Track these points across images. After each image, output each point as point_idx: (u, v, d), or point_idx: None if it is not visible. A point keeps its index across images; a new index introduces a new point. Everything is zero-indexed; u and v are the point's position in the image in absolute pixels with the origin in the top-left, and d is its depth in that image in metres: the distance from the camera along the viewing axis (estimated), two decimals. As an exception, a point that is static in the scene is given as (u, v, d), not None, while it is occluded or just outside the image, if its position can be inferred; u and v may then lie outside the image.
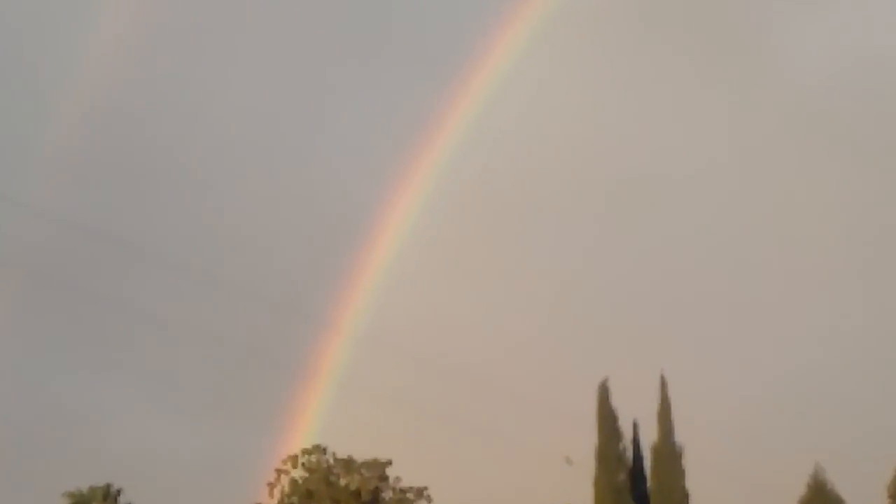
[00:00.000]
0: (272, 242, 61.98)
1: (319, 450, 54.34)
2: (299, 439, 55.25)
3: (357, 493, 53.64)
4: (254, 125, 63.67)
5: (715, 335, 60.64)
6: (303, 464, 54.47)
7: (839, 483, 52.79)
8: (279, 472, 54.53)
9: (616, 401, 53.73)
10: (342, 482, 54.18)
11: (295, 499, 53.99)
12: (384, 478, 54.64)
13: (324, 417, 56.97)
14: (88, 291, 56.29)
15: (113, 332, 57.89)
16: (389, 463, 54.45)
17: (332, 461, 54.42)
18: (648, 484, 53.89)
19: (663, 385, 54.23)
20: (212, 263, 58.13)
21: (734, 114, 65.73)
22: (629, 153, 64.73)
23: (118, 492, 54.34)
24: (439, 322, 61.09)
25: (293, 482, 54.49)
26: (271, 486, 54.70)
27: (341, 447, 54.28)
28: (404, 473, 54.41)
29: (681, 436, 53.46)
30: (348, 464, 54.32)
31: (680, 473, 53.74)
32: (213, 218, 61.35)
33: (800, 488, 53.39)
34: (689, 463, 53.34)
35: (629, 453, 53.66)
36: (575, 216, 63.45)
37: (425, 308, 61.49)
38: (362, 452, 54.16)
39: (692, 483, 53.23)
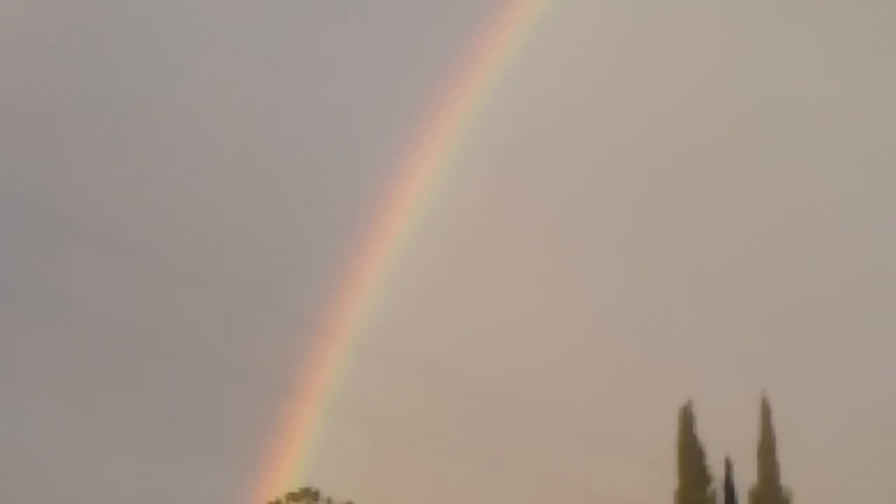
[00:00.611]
0: (251, 224, 49.92)
1: (310, 494, 44.72)
2: (284, 479, 45.06)
3: (358, 549, 45.61)
4: (229, 68, 51.32)
5: (833, 340, 47.82)
6: None
7: None
8: None
9: (702, 431, 43.41)
10: (339, 537, 45.78)
11: (278, 557, 46.15)
12: None
13: (316, 450, 46.07)
14: (13, 287, 45.13)
15: (47, 341, 46.42)
16: None
17: None
18: (746, 541, 44.68)
19: (765, 410, 43.92)
20: (175, 252, 46.32)
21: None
22: (712, 102, 51.46)
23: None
24: (464, 329, 49.44)
25: (275, 537, 46.06)
26: (247, 541, 45.95)
27: (338, 490, 44.67)
28: None
29: (787, 477, 43.65)
30: None
31: (787, 526, 45.09)
32: (176, 193, 49.31)
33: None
34: (799, 512, 44.49)
35: (720, 500, 43.50)
36: (645, 190, 50.42)
37: (447, 311, 49.74)
38: (365, 497, 44.25)
39: (803, 539, 44.18)
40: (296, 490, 44.42)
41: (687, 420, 43.45)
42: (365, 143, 50.35)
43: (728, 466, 43.40)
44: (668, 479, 42.76)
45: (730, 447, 42.98)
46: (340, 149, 50.68)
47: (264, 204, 50.15)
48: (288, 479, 44.90)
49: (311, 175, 50.60)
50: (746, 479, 43.41)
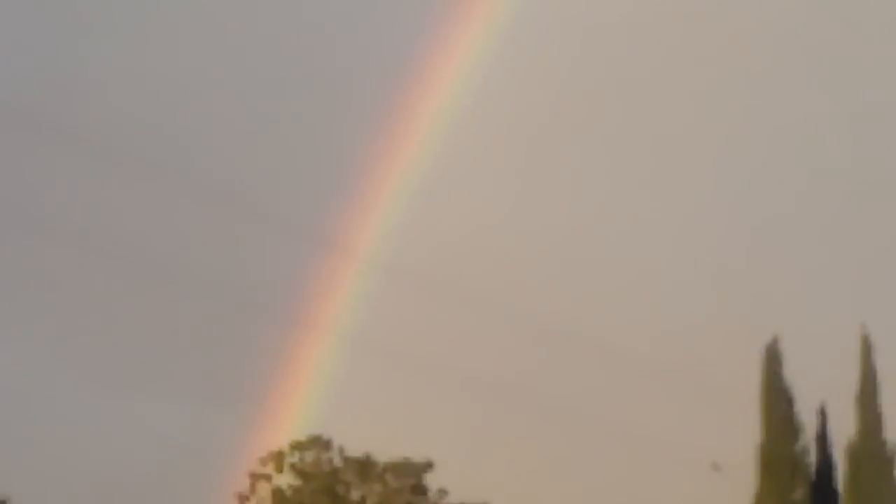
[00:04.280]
0: (252, 119, 45.01)
1: (320, 443, 41.24)
2: (288, 426, 41.38)
3: (378, 512, 44.54)
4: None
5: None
6: (293, 465, 40.85)
7: None
8: (256, 477, 40.78)
9: (791, 373, 38.71)
10: (355, 494, 41.06)
11: (279, 518, 43.91)
12: (421, 489, 40.99)
13: (328, 392, 41.63)
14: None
15: (11, 259, 41.49)
16: (430, 466, 40.70)
17: (339, 461, 40.88)
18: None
19: (865, 349, 39.22)
20: (157, 152, 41.74)
21: None
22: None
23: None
24: (506, 249, 45.26)
25: (277, 493, 40.91)
26: (243, 498, 40.94)
27: (354, 439, 40.80)
28: (456, 481, 40.72)
29: (892, 428, 39.30)
30: (365, 466, 40.94)
31: (891, 486, 39.77)
32: (177, 98, 44.13)
33: None
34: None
35: (811, 456, 39.15)
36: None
37: (486, 227, 45.23)
38: (388, 448, 40.60)
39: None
40: (302, 439, 40.55)
41: (773, 360, 38.90)
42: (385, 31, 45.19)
43: (821, 416, 39.25)
44: (750, 430, 38.42)
45: (824, 393, 38.85)
46: (356, 38, 45.52)
47: (268, 102, 45.17)
48: (293, 423, 41.15)
49: (323, 69, 45.51)
50: (843, 430, 39.35)
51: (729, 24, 46.28)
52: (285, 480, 41.23)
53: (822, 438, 39.68)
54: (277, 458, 40.89)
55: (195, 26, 45.10)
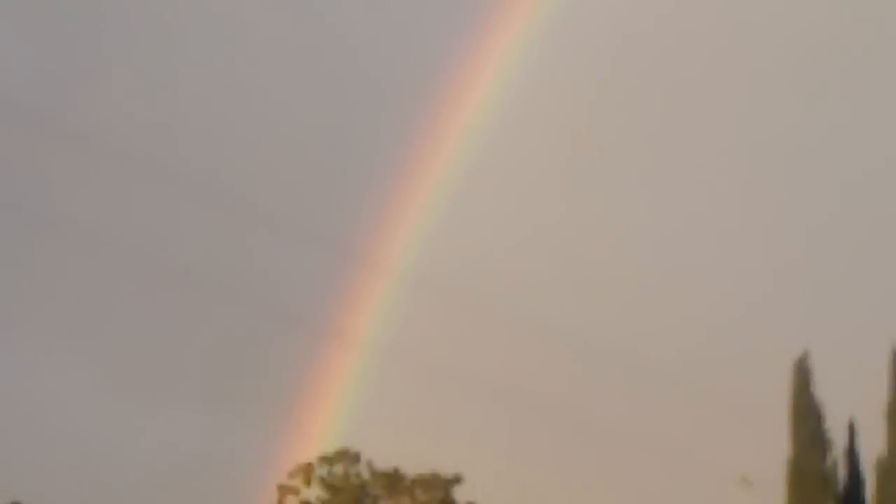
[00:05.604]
0: (281, 130, 44.88)
1: (348, 456, 40.79)
2: (317, 439, 41.27)
3: (405, 526, 43.68)
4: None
5: None
6: (322, 478, 40.47)
7: None
8: (284, 490, 40.51)
9: (820, 389, 39.10)
10: (383, 508, 42.05)
11: (308, 531, 41.02)
12: (449, 503, 40.41)
13: (356, 404, 41.74)
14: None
15: (39, 270, 41.70)
16: (458, 480, 40.27)
17: (367, 475, 40.54)
18: (871, 518, 42.48)
19: (895, 364, 39.02)
20: (184, 161, 41.75)
21: None
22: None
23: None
24: (532, 263, 44.93)
25: (305, 507, 40.21)
26: (271, 511, 42.50)
27: (382, 453, 40.58)
28: (484, 496, 40.48)
29: None
30: (393, 480, 40.58)
31: (919, 502, 42.45)
32: (208, 108, 44.01)
33: None
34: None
35: (840, 471, 39.52)
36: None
37: (512, 242, 44.87)
38: (416, 462, 40.25)
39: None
40: (331, 452, 40.24)
41: (803, 375, 39.36)
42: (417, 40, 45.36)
43: (851, 431, 39.67)
44: (779, 445, 38.88)
45: (853, 408, 39.28)
46: (388, 47, 45.62)
47: (298, 113, 45.22)
48: (322, 436, 41.14)
49: (354, 80, 45.48)
50: (872, 445, 39.45)
51: (780, 28, 46.68)
52: (313, 494, 40.76)
53: (852, 453, 40.08)
54: (306, 470, 40.63)
55: (224, 32, 45.62)
